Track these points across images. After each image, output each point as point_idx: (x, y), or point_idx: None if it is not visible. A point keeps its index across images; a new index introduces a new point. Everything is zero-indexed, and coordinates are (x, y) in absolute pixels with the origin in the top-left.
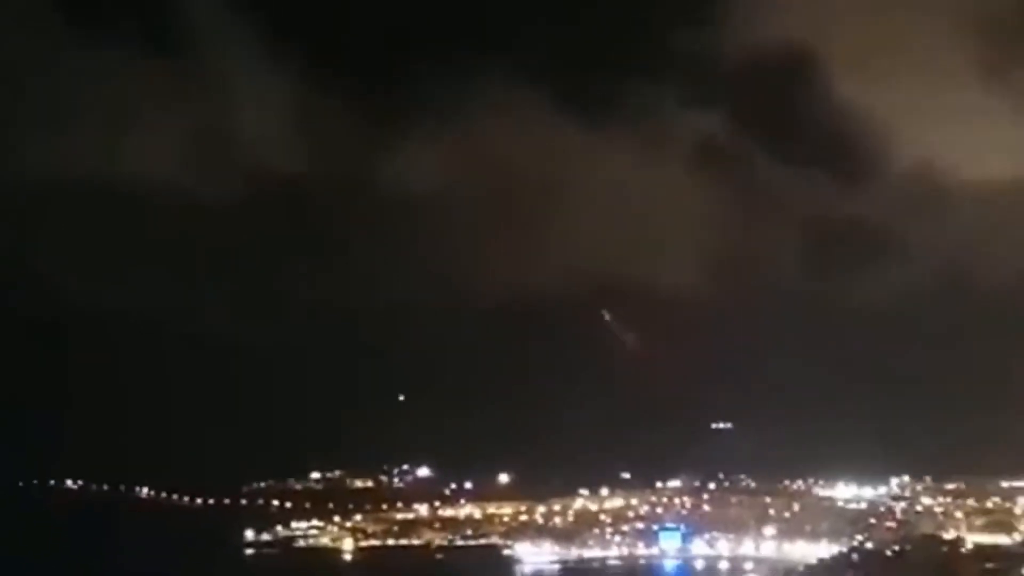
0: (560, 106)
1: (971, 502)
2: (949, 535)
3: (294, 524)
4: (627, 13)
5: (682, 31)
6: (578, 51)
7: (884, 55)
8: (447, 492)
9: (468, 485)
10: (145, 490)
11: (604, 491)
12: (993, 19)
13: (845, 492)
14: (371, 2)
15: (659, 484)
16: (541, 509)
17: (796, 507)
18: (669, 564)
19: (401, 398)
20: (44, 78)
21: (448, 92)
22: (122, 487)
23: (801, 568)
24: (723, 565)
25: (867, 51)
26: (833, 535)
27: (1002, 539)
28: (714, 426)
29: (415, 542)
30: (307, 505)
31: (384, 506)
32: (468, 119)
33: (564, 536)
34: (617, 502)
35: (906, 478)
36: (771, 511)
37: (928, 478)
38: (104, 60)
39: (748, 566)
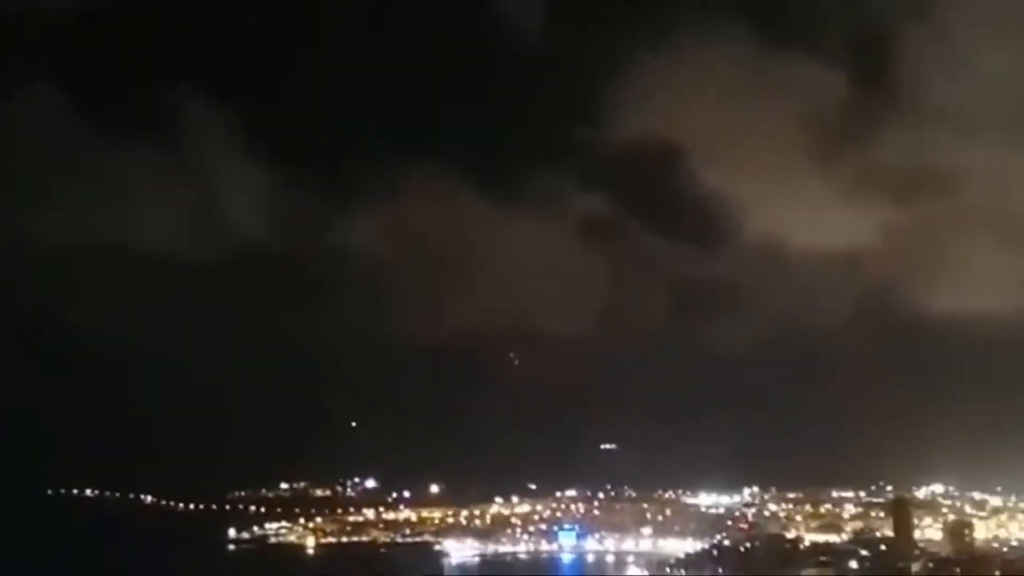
0: (477, 189)
1: (808, 508)
2: (790, 534)
3: (267, 525)
4: (531, 113)
5: (576, 128)
6: (491, 145)
7: (736, 148)
8: (389, 500)
9: (406, 494)
10: (149, 497)
11: (515, 499)
12: (819, 118)
13: (707, 500)
14: (327, 109)
15: (558, 493)
16: (464, 513)
17: (668, 512)
18: (566, 557)
19: (353, 424)
20: (68, 164)
21: (388, 178)
22: (131, 495)
23: (672, 561)
24: (610, 558)
25: (722, 145)
26: (698, 534)
27: (832, 538)
28: (602, 447)
29: (364, 539)
30: (278, 510)
31: (339, 510)
32: (404, 199)
33: (483, 534)
34: (525, 508)
35: (756, 488)
36: (648, 515)
37: (773, 489)
38: (115, 150)
39: (630, 559)
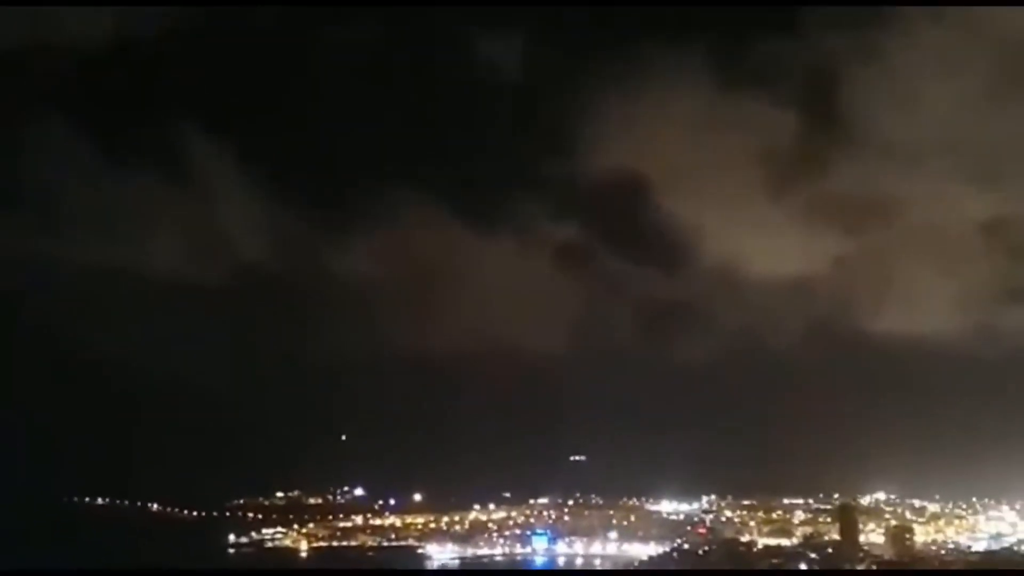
0: (459, 217)
1: (761, 514)
2: (745, 538)
3: (264, 530)
4: (509, 147)
5: (550, 161)
6: (472, 177)
7: (697, 180)
8: (376, 507)
9: (392, 501)
10: (156, 505)
11: (491, 506)
12: (773, 152)
13: (668, 507)
14: (319, 141)
15: (532, 501)
16: (445, 519)
17: (632, 518)
18: (539, 560)
19: (343, 437)
20: (79, 191)
21: (376, 205)
22: (139, 503)
23: (636, 563)
24: (579, 561)
25: (684, 177)
26: (659, 539)
27: (784, 541)
28: (572, 458)
29: (353, 543)
30: (273, 516)
31: (330, 517)
32: (391, 225)
33: (462, 539)
34: (501, 514)
35: (713, 496)
36: (614, 521)
37: (730, 496)
38: (122, 180)
39: (597, 561)
